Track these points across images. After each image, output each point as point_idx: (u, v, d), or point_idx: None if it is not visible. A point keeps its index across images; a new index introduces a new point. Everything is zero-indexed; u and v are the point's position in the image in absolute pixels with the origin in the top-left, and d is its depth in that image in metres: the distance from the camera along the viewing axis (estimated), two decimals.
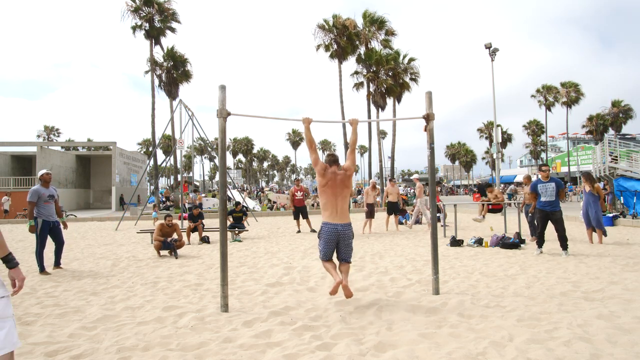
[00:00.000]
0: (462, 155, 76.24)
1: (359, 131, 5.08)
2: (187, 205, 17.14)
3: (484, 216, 10.99)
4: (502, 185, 42.09)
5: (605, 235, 9.13)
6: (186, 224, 12.35)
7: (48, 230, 6.93)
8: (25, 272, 6.87)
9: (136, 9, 28.72)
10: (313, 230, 12.81)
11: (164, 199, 25.38)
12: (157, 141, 26.81)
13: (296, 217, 13.16)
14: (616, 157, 16.61)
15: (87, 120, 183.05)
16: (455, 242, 9.18)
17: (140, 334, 3.70)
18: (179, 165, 28.84)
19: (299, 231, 12.91)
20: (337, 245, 4.57)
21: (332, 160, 4.75)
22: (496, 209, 11.11)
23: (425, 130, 5.08)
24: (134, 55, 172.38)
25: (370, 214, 12.45)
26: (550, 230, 7.83)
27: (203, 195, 31.38)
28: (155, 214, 18.07)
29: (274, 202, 28.83)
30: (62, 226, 7.27)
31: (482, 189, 16.29)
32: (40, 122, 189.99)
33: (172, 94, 31.63)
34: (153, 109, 29.31)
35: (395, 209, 12.97)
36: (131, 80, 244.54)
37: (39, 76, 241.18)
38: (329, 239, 4.52)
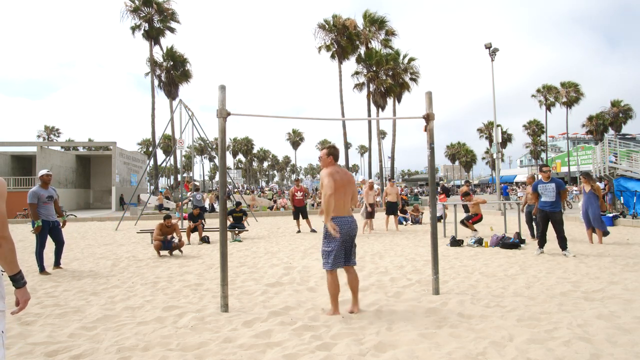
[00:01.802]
0: (462, 155, 76.25)
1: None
2: (197, 199, 17.04)
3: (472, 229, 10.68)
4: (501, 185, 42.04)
5: (608, 233, 9.15)
6: (186, 224, 12.34)
7: (48, 230, 6.94)
8: (25, 272, 6.87)
9: (135, 9, 28.74)
10: (313, 230, 12.82)
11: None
12: (157, 141, 26.82)
13: (296, 217, 13.16)
14: (616, 155, 16.61)
15: (88, 120, 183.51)
16: (455, 242, 9.18)
17: (140, 334, 3.69)
18: (179, 165, 28.84)
19: (299, 231, 12.91)
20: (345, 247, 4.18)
21: (336, 154, 4.37)
22: (476, 220, 10.69)
23: (425, 130, 5.08)
24: (134, 55, 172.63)
25: (370, 214, 12.45)
26: (550, 230, 7.82)
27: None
28: (178, 214, 17.80)
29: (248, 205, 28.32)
30: (61, 225, 7.29)
31: (446, 189, 16.22)
32: (41, 122, 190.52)
33: (171, 94, 31.65)
34: (153, 109, 29.36)
35: (394, 209, 12.96)
36: (131, 80, 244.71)
37: (42, 76, 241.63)
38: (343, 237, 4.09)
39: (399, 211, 13.76)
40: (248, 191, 40.08)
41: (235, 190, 29.53)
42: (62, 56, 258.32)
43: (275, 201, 26.72)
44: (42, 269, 6.70)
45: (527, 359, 3.02)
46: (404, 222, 15.02)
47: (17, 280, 2.14)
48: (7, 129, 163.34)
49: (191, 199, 17.03)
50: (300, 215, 13.02)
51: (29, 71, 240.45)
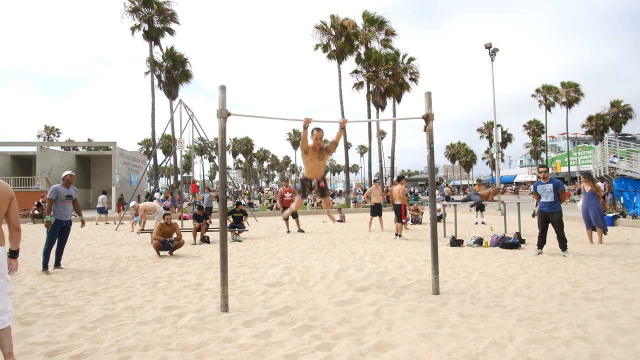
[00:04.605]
0: (462, 155, 76.15)
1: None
2: (204, 204, 17.12)
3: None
4: (502, 185, 42.03)
5: (605, 233, 9.10)
6: (186, 223, 12.33)
7: (59, 230, 7.01)
8: (25, 271, 6.90)
9: (135, 10, 28.73)
10: (301, 230, 12.93)
11: (162, 199, 25.37)
12: (157, 141, 26.81)
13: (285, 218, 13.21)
14: (616, 156, 16.61)
15: (87, 120, 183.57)
16: (455, 242, 9.18)
17: (140, 334, 3.69)
18: (179, 165, 28.84)
19: (288, 231, 12.95)
20: None
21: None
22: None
23: (425, 130, 5.08)
24: (134, 54, 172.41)
25: (376, 212, 12.61)
26: (550, 230, 7.81)
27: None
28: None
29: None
30: (80, 224, 7.65)
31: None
32: (41, 121, 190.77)
33: (171, 94, 31.63)
34: (153, 109, 29.36)
35: (379, 210, 12.72)
36: (131, 80, 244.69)
37: (44, 75, 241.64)
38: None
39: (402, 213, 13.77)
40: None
41: (235, 189, 29.49)
42: (61, 56, 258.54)
43: (274, 201, 26.73)
44: (45, 267, 6.72)
45: (527, 359, 3.03)
46: (404, 223, 15.01)
47: (16, 252, 3.21)
48: (7, 129, 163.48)
49: (202, 199, 17.20)
50: (290, 216, 13.08)
51: (30, 71, 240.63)
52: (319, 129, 5.15)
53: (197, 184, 30.51)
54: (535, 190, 8.02)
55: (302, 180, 5.57)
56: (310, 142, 5.13)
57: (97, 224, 18.24)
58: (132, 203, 14.40)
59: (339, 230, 13.42)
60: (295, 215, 13.05)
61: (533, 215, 9.79)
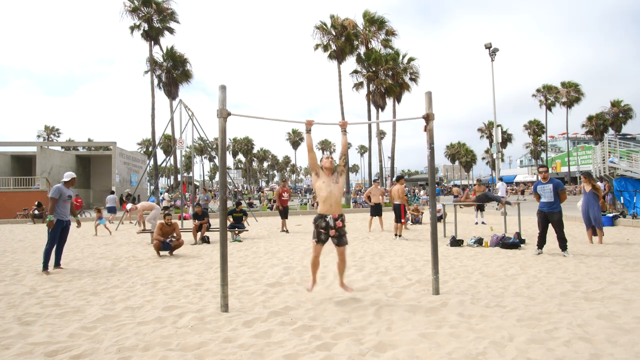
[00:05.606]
0: (462, 155, 76.15)
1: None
2: (201, 203, 17.18)
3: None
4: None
5: (600, 228, 9.07)
6: (187, 223, 12.31)
7: (60, 230, 7.03)
8: (25, 271, 6.90)
9: (134, 9, 28.72)
10: (284, 231, 13.12)
11: (162, 199, 25.41)
12: (157, 141, 26.80)
13: (283, 217, 13.36)
14: (618, 156, 16.61)
15: (87, 120, 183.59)
16: (455, 242, 9.18)
17: (140, 334, 3.69)
18: (179, 165, 28.85)
19: (287, 231, 13.02)
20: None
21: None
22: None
23: (425, 130, 5.08)
24: (136, 54, 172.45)
25: (376, 212, 12.64)
26: (550, 230, 7.81)
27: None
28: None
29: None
30: (76, 225, 7.64)
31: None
32: (41, 121, 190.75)
33: (172, 93, 31.62)
34: (153, 109, 29.33)
35: (379, 210, 12.74)
36: (131, 80, 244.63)
37: (46, 75, 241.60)
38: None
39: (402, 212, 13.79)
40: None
41: (235, 189, 29.48)
42: (64, 56, 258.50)
43: (274, 201, 26.75)
44: (45, 267, 6.73)
45: (527, 359, 3.03)
46: (403, 223, 15.00)
47: None
48: (8, 129, 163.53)
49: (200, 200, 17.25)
50: (280, 216, 13.45)
51: (31, 71, 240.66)
52: (327, 157, 4.83)
53: (196, 184, 30.48)
54: (535, 190, 8.02)
55: (316, 221, 4.64)
56: (319, 162, 4.86)
57: (111, 222, 18.47)
58: (129, 206, 14.45)
59: None
60: (285, 215, 13.34)
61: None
